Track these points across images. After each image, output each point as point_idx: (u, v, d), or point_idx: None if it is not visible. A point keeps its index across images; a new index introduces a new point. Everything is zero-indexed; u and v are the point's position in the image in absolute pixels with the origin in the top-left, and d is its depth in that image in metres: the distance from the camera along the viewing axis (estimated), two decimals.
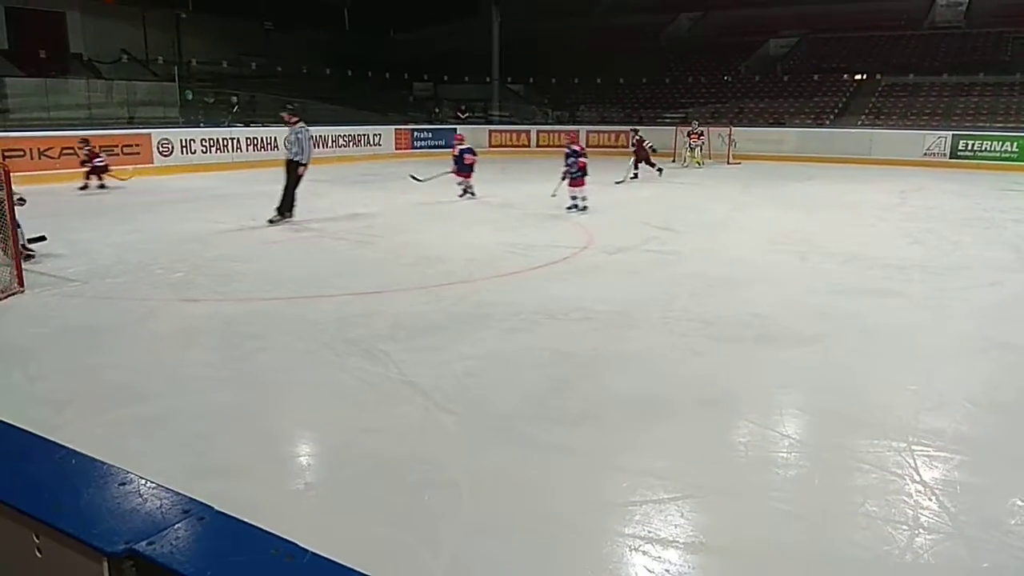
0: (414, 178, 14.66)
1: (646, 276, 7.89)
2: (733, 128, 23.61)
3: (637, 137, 18.24)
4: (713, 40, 32.66)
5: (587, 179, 12.31)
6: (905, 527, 3.13)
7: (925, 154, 21.83)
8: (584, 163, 12.18)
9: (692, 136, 21.78)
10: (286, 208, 10.63)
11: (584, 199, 12.21)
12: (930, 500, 3.36)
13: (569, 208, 12.14)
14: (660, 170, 17.87)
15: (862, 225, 11.44)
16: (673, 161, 22.42)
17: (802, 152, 23.13)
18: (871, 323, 6.18)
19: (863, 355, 5.44)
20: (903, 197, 14.86)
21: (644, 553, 2.93)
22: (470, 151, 13.87)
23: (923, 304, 6.83)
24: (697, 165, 21.47)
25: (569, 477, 3.61)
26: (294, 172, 10.71)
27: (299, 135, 10.72)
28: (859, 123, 24.60)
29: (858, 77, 27.41)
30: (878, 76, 26.99)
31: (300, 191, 10.92)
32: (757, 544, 3.06)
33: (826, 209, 13.28)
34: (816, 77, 27.96)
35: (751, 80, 29.10)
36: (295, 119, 10.86)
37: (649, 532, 3.07)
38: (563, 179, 12.40)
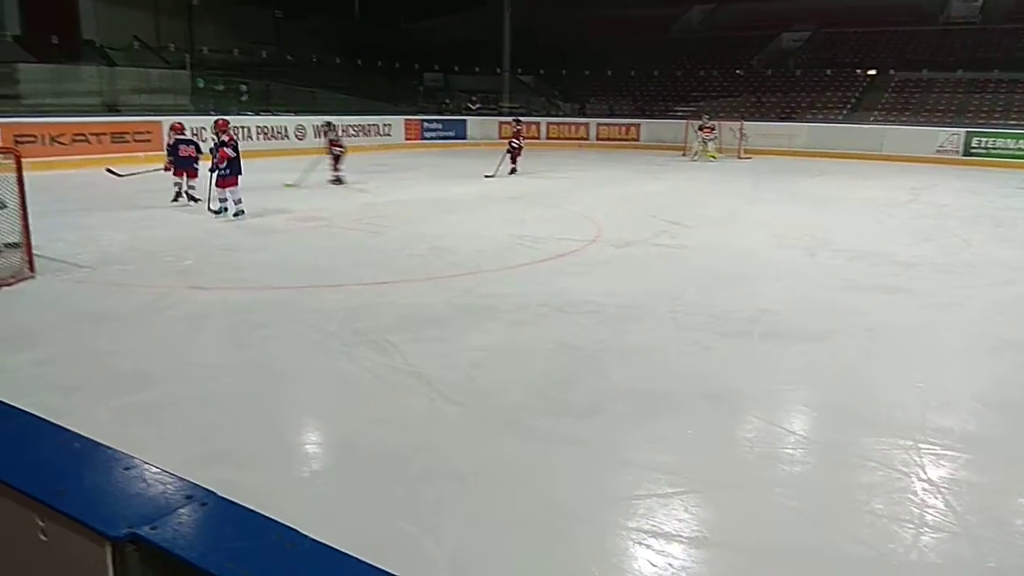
0: (112, 172, 11.68)
1: (654, 270, 7.87)
2: (744, 122, 23.48)
3: (517, 128, 17.02)
4: (725, 33, 32.45)
5: (240, 178, 9.97)
6: (910, 525, 3.12)
7: (938, 151, 21.67)
8: (228, 154, 9.71)
9: (704, 131, 21.71)
10: None
11: (239, 201, 9.96)
12: (936, 499, 3.34)
13: (218, 212, 9.92)
14: (514, 171, 16.52)
15: (872, 222, 11.38)
16: (683, 155, 22.38)
17: (813, 147, 23.00)
18: (879, 320, 6.14)
19: (871, 352, 5.41)
20: (914, 194, 14.76)
21: (648, 547, 2.93)
22: (190, 143, 11.19)
23: (933, 302, 6.79)
24: (712, 159, 21.42)
25: (574, 469, 3.61)
26: None
27: None
28: (871, 119, 24.42)
29: (871, 72, 27.19)
30: (891, 71, 26.78)
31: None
32: (761, 540, 3.05)
33: (836, 205, 13.21)
34: (828, 72, 27.77)
35: (763, 74, 28.93)
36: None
37: (653, 526, 3.07)
38: (212, 180, 10.02)
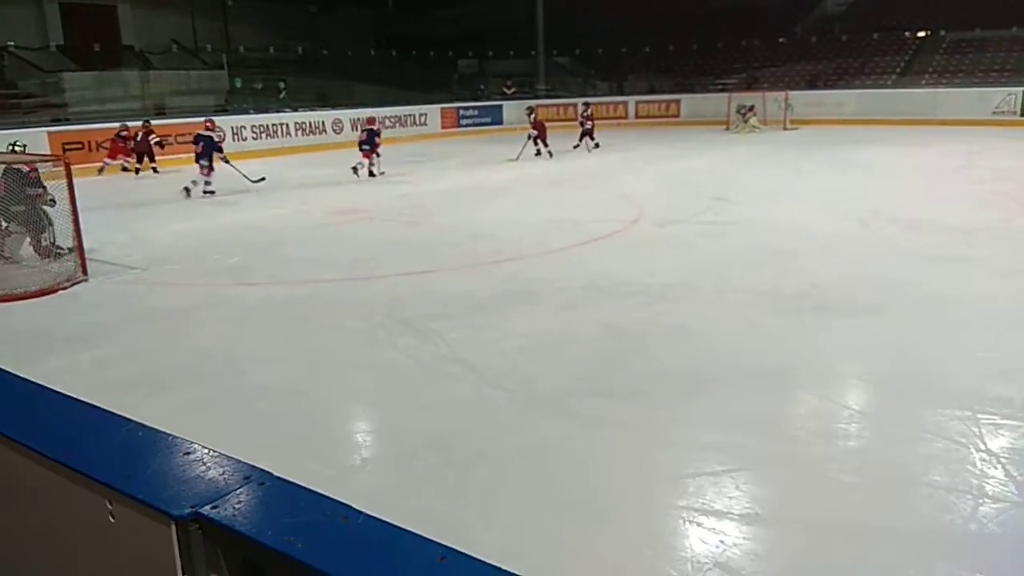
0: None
1: (699, 248, 7.77)
2: (789, 92, 22.93)
3: (588, 111, 18.34)
4: (767, 1, 31.60)
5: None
6: (969, 496, 3.05)
7: (994, 113, 20.83)
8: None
9: (743, 113, 21.80)
10: None
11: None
12: (995, 469, 3.26)
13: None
14: (597, 145, 17.87)
15: (927, 189, 11.03)
16: (727, 128, 22.04)
17: (863, 115, 22.33)
18: (936, 290, 5.98)
19: (927, 323, 5.27)
20: (970, 158, 14.24)
21: (699, 525, 2.93)
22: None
23: (992, 270, 6.56)
24: (756, 129, 21.23)
25: (621, 451, 3.61)
26: None
27: None
28: (923, 82, 23.61)
29: (920, 34, 26.26)
30: (942, 32, 25.80)
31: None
32: (814, 516, 3.02)
33: (889, 173, 12.82)
34: (876, 36, 26.85)
35: (808, 41, 28.16)
36: None
37: (703, 504, 3.06)
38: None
